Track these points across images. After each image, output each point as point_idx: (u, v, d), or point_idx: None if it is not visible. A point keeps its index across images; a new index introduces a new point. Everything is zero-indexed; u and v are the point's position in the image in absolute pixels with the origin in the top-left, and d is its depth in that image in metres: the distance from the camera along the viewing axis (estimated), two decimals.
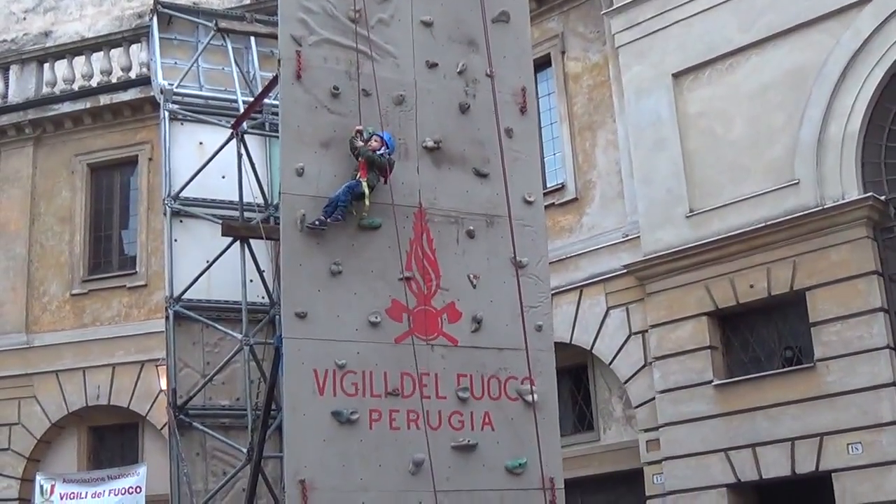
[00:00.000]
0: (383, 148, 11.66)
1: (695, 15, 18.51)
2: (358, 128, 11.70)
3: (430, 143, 12.25)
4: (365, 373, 11.37)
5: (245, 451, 14.28)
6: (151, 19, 16.92)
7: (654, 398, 18.11)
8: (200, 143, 15.71)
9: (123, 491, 21.09)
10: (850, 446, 15.90)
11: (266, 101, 15.19)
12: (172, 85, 15.75)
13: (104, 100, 24.08)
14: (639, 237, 18.66)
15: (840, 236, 16.41)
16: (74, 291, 23.64)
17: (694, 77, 18.52)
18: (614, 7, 19.55)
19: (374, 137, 11.67)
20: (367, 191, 11.53)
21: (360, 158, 11.58)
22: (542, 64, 20.36)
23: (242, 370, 14.84)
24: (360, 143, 11.57)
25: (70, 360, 23.12)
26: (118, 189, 24.44)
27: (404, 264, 11.73)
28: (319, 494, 10.83)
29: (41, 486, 21.46)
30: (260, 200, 15.20)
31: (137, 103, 23.85)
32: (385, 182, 11.73)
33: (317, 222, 11.45)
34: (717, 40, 18.20)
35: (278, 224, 12.47)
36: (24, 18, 27.98)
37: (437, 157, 12.29)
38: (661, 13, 18.88)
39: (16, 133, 24.52)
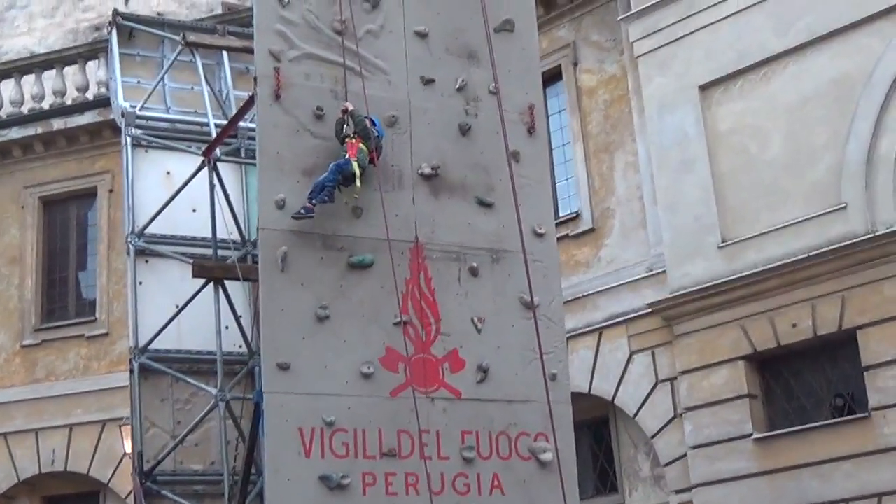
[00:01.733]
0: (376, 128, 11.95)
1: (724, 19, 18.58)
2: (347, 106, 11.81)
3: (427, 170, 12.34)
4: (357, 431, 11.41)
5: None
6: (110, 33, 17.01)
7: (685, 455, 18.08)
8: (168, 173, 15.80)
9: None
10: None
11: (241, 124, 15.27)
12: (135, 107, 15.85)
13: (57, 124, 24.14)
14: (664, 272, 18.68)
15: (895, 267, 16.42)
16: (25, 342, 23.62)
17: (724, 89, 18.59)
18: (632, 12, 19.64)
19: (367, 119, 11.94)
20: (357, 170, 11.63)
21: (347, 140, 11.69)
22: (551, 77, 20.45)
23: (218, 430, 14.85)
24: (350, 125, 11.77)
25: (21, 420, 23.07)
26: (74, 225, 24.49)
27: (400, 307, 11.78)
28: None
29: None
30: (236, 236, 15.26)
31: (95, 128, 23.89)
32: (374, 165, 11.83)
33: (302, 210, 11.56)
34: (750, 47, 18.27)
35: (256, 263, 12.55)
36: None
37: (435, 185, 12.38)
38: (686, 17, 18.96)
39: None
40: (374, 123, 11.98)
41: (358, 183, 11.70)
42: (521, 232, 12.01)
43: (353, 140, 11.76)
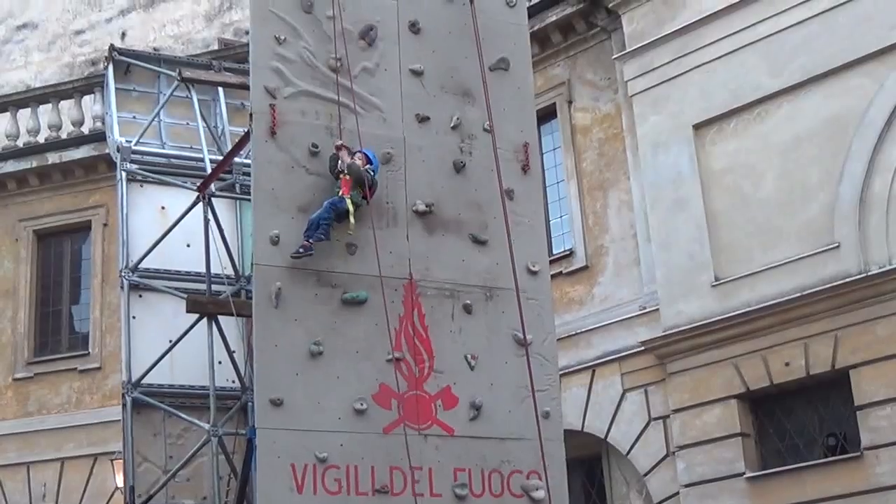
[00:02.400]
0: (368, 165, 11.93)
1: (718, 59, 18.67)
2: (339, 143, 11.87)
3: (422, 207, 12.38)
4: (349, 467, 11.40)
5: None
6: (107, 68, 17.03)
7: (678, 493, 18.07)
8: (162, 208, 15.81)
9: None
10: None
11: (236, 160, 15.30)
12: (131, 142, 15.85)
13: (52, 158, 24.20)
14: (658, 310, 18.71)
15: (888, 307, 16.42)
16: (18, 375, 23.61)
17: (718, 128, 18.66)
18: (627, 51, 19.74)
19: (358, 154, 11.93)
20: (351, 207, 11.68)
21: (342, 176, 11.74)
22: (546, 115, 20.49)
23: (210, 465, 14.80)
24: (347, 160, 11.80)
25: (12, 453, 23.05)
26: (68, 259, 24.51)
27: (393, 344, 11.80)
28: None
29: None
30: (230, 272, 15.25)
31: (90, 162, 23.97)
32: (368, 202, 11.87)
33: (301, 250, 11.59)
34: (744, 87, 18.36)
35: (250, 299, 12.56)
36: None
37: (430, 222, 12.41)
38: (680, 57, 19.06)
39: None
40: (369, 160, 12.01)
41: (352, 220, 11.74)
42: (514, 270, 12.06)
43: (348, 177, 11.80)
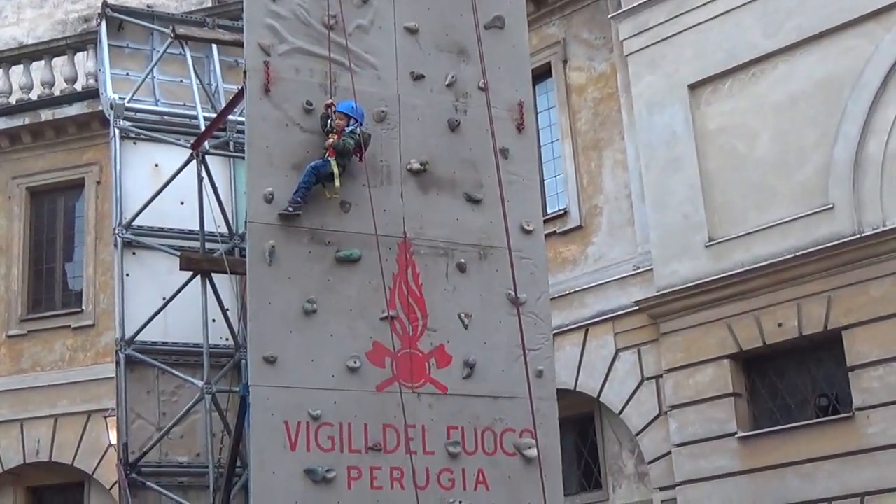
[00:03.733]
0: (351, 124, 11.84)
1: (713, 18, 18.64)
2: (329, 102, 11.89)
3: (416, 166, 12.36)
4: (342, 425, 11.43)
5: None
6: (100, 24, 16.99)
7: (669, 452, 18.15)
8: (156, 165, 15.80)
9: None
10: None
11: (230, 117, 15.24)
12: (124, 99, 15.81)
13: (45, 115, 24.11)
14: (651, 270, 18.74)
15: (881, 268, 16.47)
16: (11, 332, 23.61)
17: (713, 88, 18.65)
18: (622, 10, 19.69)
19: (337, 115, 11.85)
20: (336, 170, 11.67)
21: (332, 134, 11.76)
22: (541, 74, 20.48)
23: (203, 422, 14.86)
24: (335, 124, 11.79)
25: (6, 410, 23.07)
26: (62, 216, 24.48)
27: (387, 302, 11.80)
28: None
29: None
30: (224, 230, 15.25)
31: (84, 119, 23.88)
32: (360, 159, 11.88)
33: (290, 209, 11.57)
34: (739, 47, 18.33)
35: (244, 257, 12.55)
36: None
37: (424, 180, 12.40)
38: (676, 16, 19.02)
39: None
40: (347, 114, 11.87)
41: (337, 183, 11.72)
42: (506, 228, 12.05)
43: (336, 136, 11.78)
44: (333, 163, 11.69)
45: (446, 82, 12.77)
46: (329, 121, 11.85)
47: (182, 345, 15.17)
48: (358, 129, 11.86)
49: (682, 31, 18.95)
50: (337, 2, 12.34)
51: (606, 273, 19.54)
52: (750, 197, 17.93)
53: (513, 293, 12.19)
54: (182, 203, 15.42)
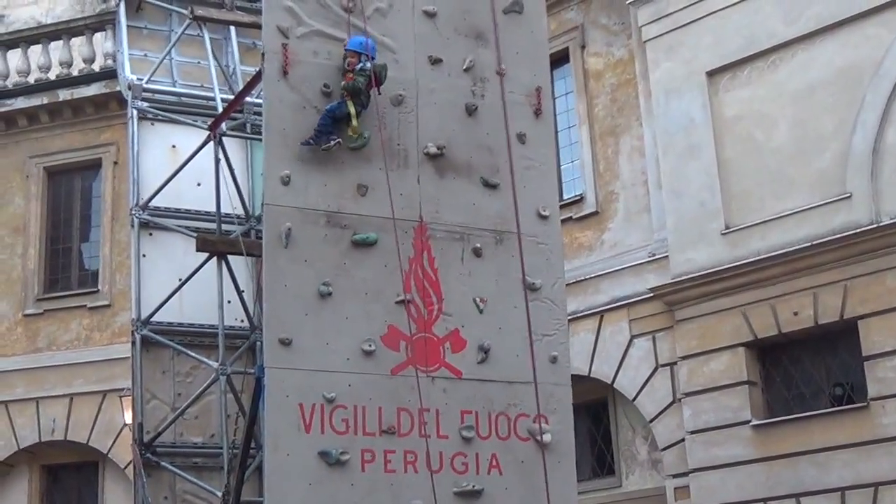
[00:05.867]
0: (362, 60, 11.78)
1: (733, 5, 18.60)
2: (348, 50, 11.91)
3: (433, 150, 12.33)
4: (357, 408, 11.42)
5: (220, 494, 14.28)
6: (118, 5, 16.97)
7: (683, 440, 18.16)
8: (173, 146, 15.79)
9: None
10: None
11: (248, 99, 15.26)
12: (142, 80, 15.80)
13: (63, 95, 24.18)
14: (667, 257, 18.73)
15: None
16: (27, 312, 23.71)
17: (731, 76, 18.61)
18: None
19: (348, 53, 11.86)
20: (352, 110, 11.66)
21: (346, 74, 11.77)
22: (559, 60, 20.46)
23: (218, 403, 14.87)
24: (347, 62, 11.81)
25: (22, 389, 23.18)
26: (79, 196, 24.56)
27: (403, 285, 11.80)
28: None
29: None
30: (240, 211, 15.26)
31: (101, 100, 23.94)
32: (379, 92, 11.88)
33: (311, 141, 11.63)
34: (758, 34, 18.29)
35: (260, 239, 12.56)
36: None
37: (441, 164, 12.37)
38: (695, 3, 18.99)
39: None
40: (357, 51, 11.83)
41: (354, 122, 11.69)
42: (516, 214, 12.07)
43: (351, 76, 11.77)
44: (350, 103, 11.68)
45: (464, 66, 12.73)
46: (345, 62, 11.86)
47: (198, 326, 15.19)
48: (369, 63, 11.82)
49: (700, 18, 18.91)
50: None
51: (622, 259, 19.54)
52: (767, 185, 17.90)
53: (529, 278, 12.19)
54: (199, 184, 15.42)
